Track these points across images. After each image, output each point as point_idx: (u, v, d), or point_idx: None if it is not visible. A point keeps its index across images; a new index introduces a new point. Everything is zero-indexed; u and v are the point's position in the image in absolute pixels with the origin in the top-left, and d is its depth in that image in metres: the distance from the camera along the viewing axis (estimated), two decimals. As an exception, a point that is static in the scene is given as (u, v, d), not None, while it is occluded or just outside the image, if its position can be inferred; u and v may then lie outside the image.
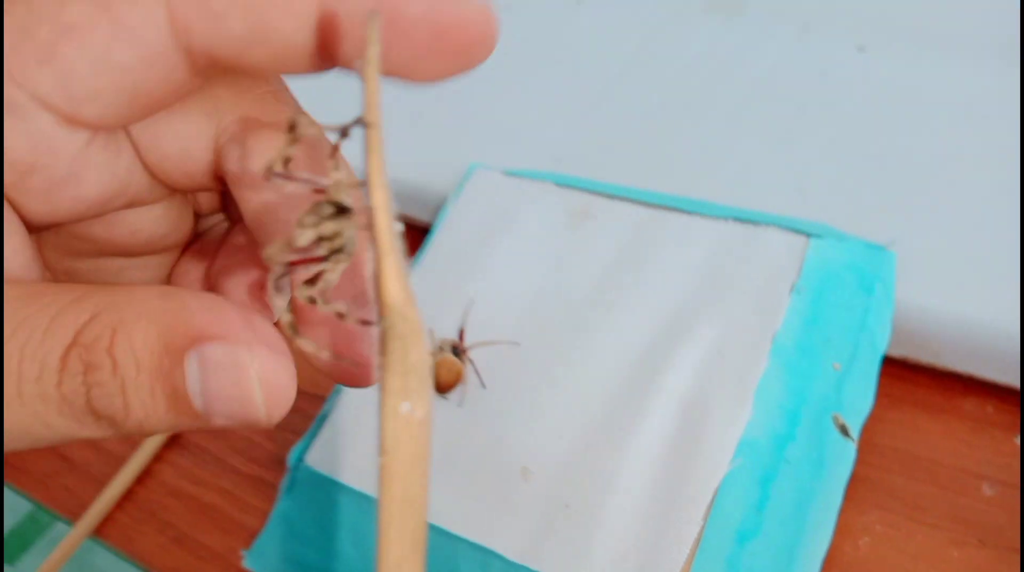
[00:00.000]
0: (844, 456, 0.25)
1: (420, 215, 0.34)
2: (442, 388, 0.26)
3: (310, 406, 0.29)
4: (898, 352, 0.28)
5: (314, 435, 0.27)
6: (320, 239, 0.13)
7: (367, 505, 0.25)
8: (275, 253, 0.13)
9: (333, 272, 0.13)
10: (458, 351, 0.26)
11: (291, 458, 0.27)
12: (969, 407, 0.28)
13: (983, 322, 0.26)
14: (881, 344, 0.26)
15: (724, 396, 0.24)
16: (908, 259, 0.28)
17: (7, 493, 0.34)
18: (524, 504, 0.23)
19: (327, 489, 0.26)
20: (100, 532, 0.31)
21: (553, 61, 0.40)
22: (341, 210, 0.13)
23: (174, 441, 0.33)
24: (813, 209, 0.29)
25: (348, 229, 0.13)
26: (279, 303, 0.14)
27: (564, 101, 0.37)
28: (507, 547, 0.23)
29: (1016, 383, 0.26)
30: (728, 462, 0.23)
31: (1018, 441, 0.27)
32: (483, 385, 0.26)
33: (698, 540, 0.22)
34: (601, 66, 0.39)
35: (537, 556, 0.23)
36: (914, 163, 0.31)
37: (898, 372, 0.29)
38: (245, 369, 0.12)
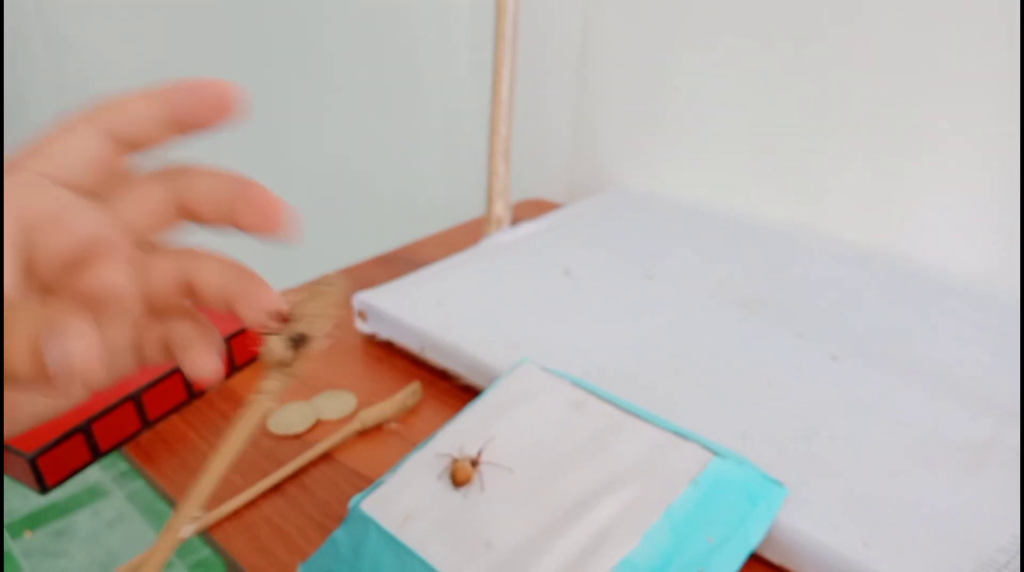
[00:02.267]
0: (700, 603, 0.36)
1: (480, 383, 0.50)
2: (458, 483, 0.40)
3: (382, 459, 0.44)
4: (777, 559, 0.40)
5: (373, 489, 0.41)
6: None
7: (388, 542, 0.39)
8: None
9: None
10: (474, 462, 0.41)
11: (353, 502, 0.41)
12: (816, 613, 0.39)
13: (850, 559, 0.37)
14: (752, 541, 0.38)
15: (623, 531, 0.37)
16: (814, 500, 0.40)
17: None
18: (480, 561, 0.37)
19: (367, 527, 0.40)
20: (213, 528, 0.46)
21: (612, 314, 0.56)
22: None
23: (280, 489, 0.48)
24: (747, 449, 0.43)
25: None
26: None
27: (607, 341, 0.53)
28: (462, 583, 0.36)
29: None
30: (610, 566, 0.35)
31: (840, 643, 0.37)
32: (482, 487, 0.40)
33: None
34: (644, 323, 0.55)
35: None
36: (836, 450, 0.44)
37: (773, 570, 0.40)
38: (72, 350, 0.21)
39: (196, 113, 0.25)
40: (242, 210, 0.25)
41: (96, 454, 0.53)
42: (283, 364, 0.23)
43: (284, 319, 0.24)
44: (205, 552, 1.45)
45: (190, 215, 0.26)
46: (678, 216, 0.72)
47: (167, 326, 0.27)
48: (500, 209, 0.69)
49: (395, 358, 0.60)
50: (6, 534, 1.50)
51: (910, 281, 0.59)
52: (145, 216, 0.26)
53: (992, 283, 0.58)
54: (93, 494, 1.59)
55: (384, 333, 0.60)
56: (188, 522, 0.22)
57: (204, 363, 0.26)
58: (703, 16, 0.71)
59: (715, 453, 0.40)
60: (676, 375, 0.50)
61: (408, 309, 0.59)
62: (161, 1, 1.17)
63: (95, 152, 0.25)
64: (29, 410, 0.27)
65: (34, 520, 1.52)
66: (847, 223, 0.67)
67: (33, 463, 0.50)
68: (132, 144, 0.26)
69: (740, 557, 0.38)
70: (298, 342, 0.24)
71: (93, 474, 1.63)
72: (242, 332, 0.59)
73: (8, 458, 0.51)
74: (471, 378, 0.54)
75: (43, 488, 0.50)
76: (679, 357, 0.51)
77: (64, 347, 0.21)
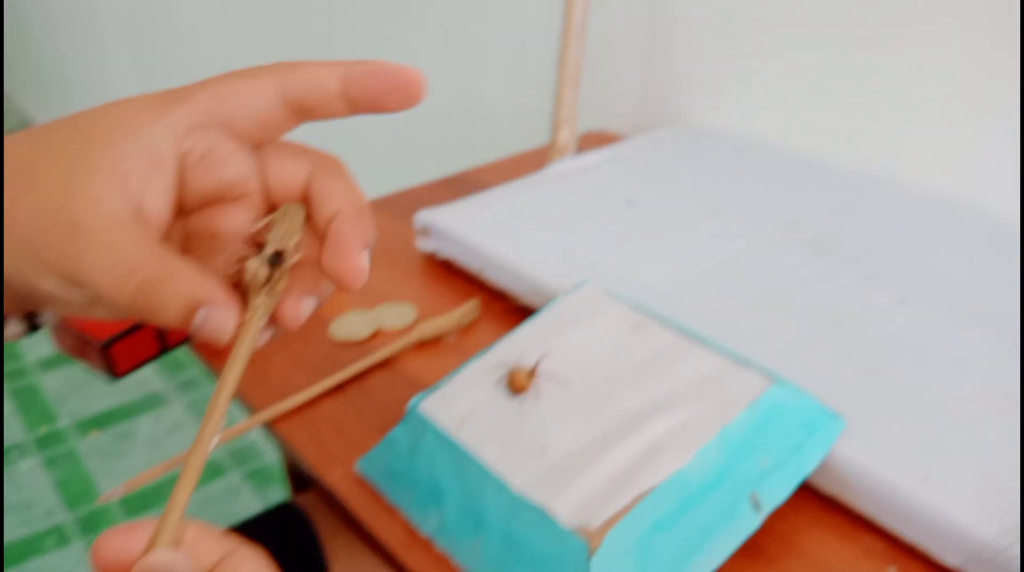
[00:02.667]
0: (749, 521, 0.37)
1: (538, 303, 0.50)
2: (515, 390, 0.41)
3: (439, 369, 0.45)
4: (830, 490, 0.40)
5: (432, 392, 0.42)
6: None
7: (444, 442, 0.40)
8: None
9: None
10: (531, 372, 0.41)
11: (411, 403, 0.42)
12: (868, 540, 0.39)
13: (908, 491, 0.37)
14: (807, 468, 0.38)
15: (677, 446, 0.37)
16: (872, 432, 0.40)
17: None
18: (533, 465, 0.37)
19: (425, 427, 0.41)
20: (276, 421, 0.48)
21: (675, 247, 0.56)
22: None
23: (355, 382, 0.50)
24: (809, 382, 0.42)
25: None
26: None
27: (669, 272, 0.53)
28: (515, 483, 0.37)
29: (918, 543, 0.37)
30: (662, 478, 0.36)
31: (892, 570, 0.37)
32: (538, 396, 0.41)
33: (627, 509, 0.35)
34: (709, 257, 0.54)
35: (533, 490, 0.36)
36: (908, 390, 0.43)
37: (824, 501, 0.40)
38: (220, 320, 0.24)
39: (377, 96, 0.26)
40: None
41: (164, 347, 0.55)
42: (265, 283, 0.26)
43: (259, 244, 0.27)
44: (262, 461, 1.50)
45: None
46: (750, 154, 0.71)
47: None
48: (565, 137, 0.68)
49: (454, 276, 0.61)
50: (74, 432, 1.57)
51: (983, 229, 0.58)
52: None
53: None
54: (155, 401, 1.65)
55: (444, 251, 0.61)
56: (211, 439, 0.25)
57: (297, 311, 0.28)
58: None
59: (775, 380, 0.40)
60: (739, 309, 0.49)
61: (469, 229, 0.59)
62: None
63: (265, 108, 0.27)
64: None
65: (99, 422, 1.59)
66: (923, 169, 0.65)
67: (105, 351, 0.52)
68: (302, 111, 0.27)
69: (793, 483, 0.38)
70: (274, 260, 0.26)
71: (156, 382, 1.70)
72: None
73: (82, 344, 0.53)
74: (528, 299, 0.54)
75: (112, 375, 0.53)
76: (743, 293, 0.51)
77: (219, 322, 0.24)
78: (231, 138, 0.27)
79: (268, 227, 0.27)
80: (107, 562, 0.24)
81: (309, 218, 0.28)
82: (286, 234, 0.27)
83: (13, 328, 0.30)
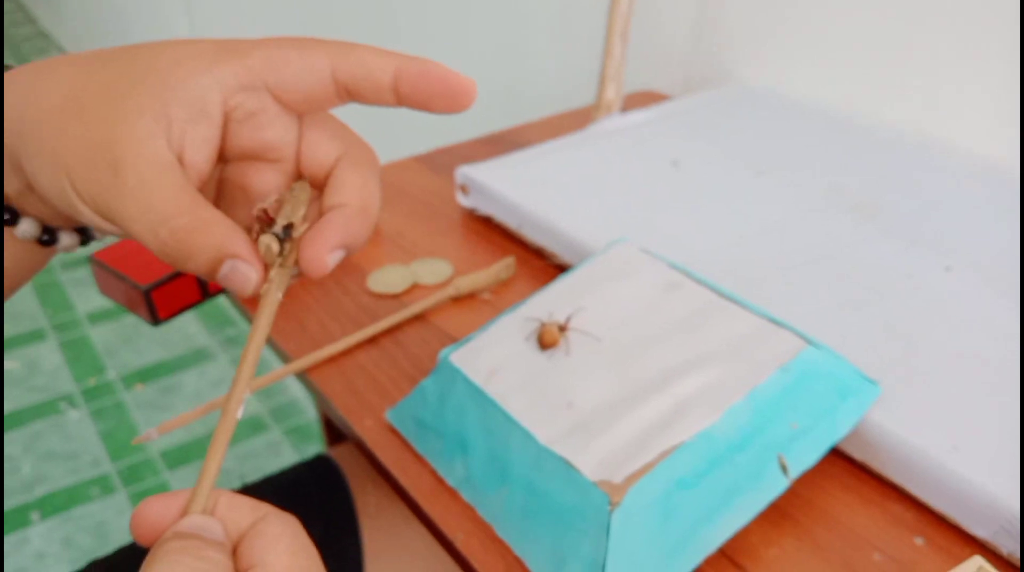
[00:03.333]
0: (776, 484, 0.36)
1: (575, 262, 0.50)
2: (545, 345, 0.41)
3: (473, 325, 0.45)
4: (860, 456, 0.39)
5: (463, 344, 0.42)
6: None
7: (473, 393, 0.40)
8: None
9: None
10: (562, 328, 0.41)
11: (442, 354, 0.42)
12: (896, 509, 0.38)
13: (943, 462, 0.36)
14: (838, 434, 0.38)
15: (705, 405, 0.36)
16: (906, 398, 0.39)
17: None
18: (560, 419, 0.37)
19: (455, 378, 0.41)
20: (311, 369, 0.48)
21: (718, 208, 0.55)
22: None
23: (378, 340, 0.50)
24: (846, 347, 0.41)
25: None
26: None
27: (711, 233, 0.52)
28: (542, 436, 0.37)
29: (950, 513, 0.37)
30: (688, 436, 0.35)
31: (919, 541, 0.37)
32: (568, 351, 0.40)
33: (651, 465, 0.34)
34: (752, 220, 0.53)
35: (559, 443, 0.36)
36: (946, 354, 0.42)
37: (855, 467, 0.40)
38: (244, 273, 0.26)
39: (425, 97, 0.27)
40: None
41: (206, 294, 0.56)
42: (278, 255, 0.27)
43: (269, 219, 0.28)
44: (302, 417, 1.53)
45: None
46: (797, 116, 0.69)
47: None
48: (611, 93, 0.67)
49: (493, 233, 0.61)
50: (119, 385, 1.62)
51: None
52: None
53: None
54: (200, 356, 1.69)
55: (483, 208, 0.61)
56: (239, 404, 0.26)
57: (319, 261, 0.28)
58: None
59: (809, 342, 0.39)
60: (780, 271, 0.49)
61: (509, 185, 0.59)
62: None
63: (316, 83, 0.27)
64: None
65: (145, 375, 1.64)
66: (974, 137, 0.63)
67: (147, 295, 0.53)
68: (350, 94, 0.27)
69: (822, 448, 0.38)
70: (285, 233, 0.27)
71: (201, 337, 1.73)
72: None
73: (126, 289, 0.54)
74: (566, 257, 0.54)
75: (155, 320, 0.54)
76: (785, 255, 0.50)
77: (243, 275, 0.26)
78: (277, 102, 0.28)
79: (278, 205, 0.28)
80: (145, 528, 0.25)
81: (317, 198, 0.29)
82: (293, 210, 0.28)
83: (66, 239, 0.31)
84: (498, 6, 1.06)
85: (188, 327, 1.75)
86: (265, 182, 0.29)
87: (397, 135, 1.00)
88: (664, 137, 0.65)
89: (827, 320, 0.44)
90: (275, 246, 0.27)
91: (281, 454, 1.46)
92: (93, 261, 0.55)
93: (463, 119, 0.91)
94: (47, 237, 0.30)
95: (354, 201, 0.28)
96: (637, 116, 0.68)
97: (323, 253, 0.27)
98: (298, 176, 0.30)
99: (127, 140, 0.25)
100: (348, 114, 0.30)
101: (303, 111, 0.28)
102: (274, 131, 0.28)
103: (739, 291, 0.44)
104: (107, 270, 0.55)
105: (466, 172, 0.61)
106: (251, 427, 1.51)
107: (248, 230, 0.28)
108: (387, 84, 0.27)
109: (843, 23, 0.69)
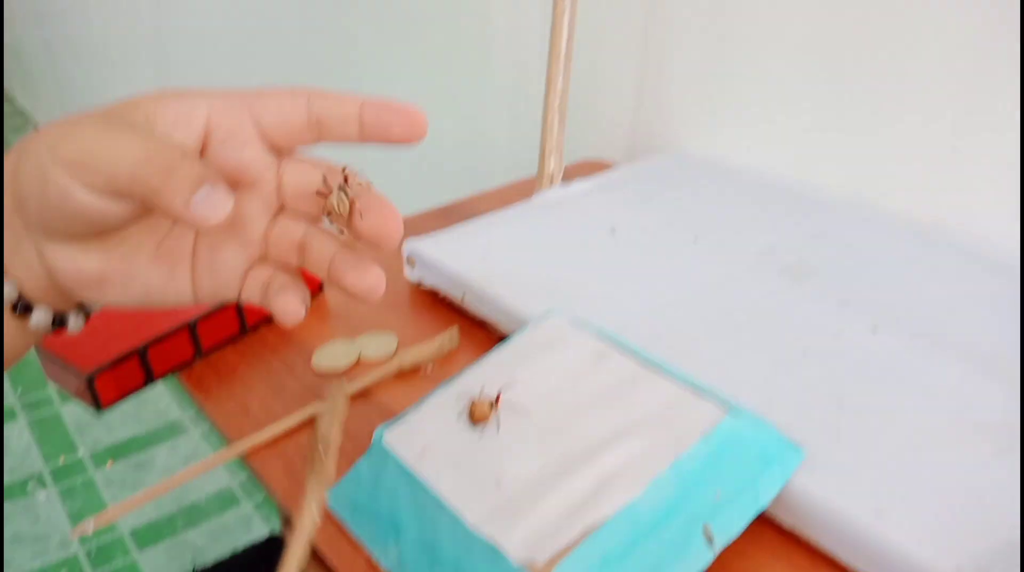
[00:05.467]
0: (702, 555, 0.36)
1: (509, 328, 0.51)
2: (476, 421, 0.41)
3: (415, 400, 0.45)
4: (789, 522, 0.40)
5: (397, 421, 0.43)
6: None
7: (403, 474, 0.40)
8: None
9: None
10: (493, 403, 0.41)
11: (376, 432, 0.43)
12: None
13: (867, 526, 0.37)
14: (762, 500, 0.38)
15: (629, 479, 0.37)
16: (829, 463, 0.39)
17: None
18: (488, 498, 0.38)
19: (386, 458, 0.41)
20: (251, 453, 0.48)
21: (654, 274, 0.56)
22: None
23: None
24: (773, 411, 0.42)
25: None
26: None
27: (646, 298, 0.53)
28: (469, 518, 0.37)
29: None
30: (612, 511, 0.35)
31: (846, 608, 0.37)
32: (498, 427, 0.41)
33: (575, 543, 0.35)
34: (686, 283, 0.55)
35: (486, 524, 0.36)
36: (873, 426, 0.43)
37: (784, 535, 0.40)
38: (218, 200, 0.28)
39: (385, 126, 0.31)
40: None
41: (150, 378, 0.56)
42: (349, 211, 0.31)
43: (325, 196, 0.32)
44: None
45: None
46: (732, 182, 0.71)
47: (272, 272, 0.34)
48: (552, 165, 0.69)
49: (438, 305, 0.62)
50: (90, 463, 1.59)
51: (958, 257, 0.57)
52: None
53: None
54: (171, 431, 1.67)
55: (429, 280, 0.61)
56: (311, 526, 0.30)
57: (294, 308, 0.33)
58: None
59: (730, 410, 0.40)
60: (711, 336, 0.49)
61: (452, 258, 0.60)
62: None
63: (293, 113, 0.31)
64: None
65: (116, 452, 1.62)
66: (899, 196, 0.65)
67: (90, 383, 0.53)
68: (321, 127, 0.32)
69: (748, 515, 0.38)
70: (348, 197, 0.31)
71: (172, 412, 1.72)
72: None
73: (67, 376, 0.54)
74: (507, 327, 0.54)
75: (98, 407, 0.54)
76: (716, 319, 0.51)
77: (217, 201, 0.27)
78: (256, 127, 0.31)
79: (327, 190, 0.32)
80: None
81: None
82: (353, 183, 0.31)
83: (39, 316, 0.33)
84: (453, 81, 1.09)
85: (159, 401, 1.74)
86: (242, 209, 0.33)
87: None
88: (603, 206, 0.66)
89: (756, 382, 0.45)
90: (344, 202, 0.30)
91: (252, 529, 1.44)
92: (38, 349, 0.55)
93: (416, 191, 0.93)
94: (58, 323, 0.33)
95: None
96: (578, 187, 0.69)
97: (392, 217, 0.31)
98: (281, 207, 0.33)
99: (118, 117, 0.29)
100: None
101: (279, 145, 0.32)
102: (252, 151, 0.31)
103: (671, 355, 0.45)
104: (51, 358, 0.55)
105: (413, 245, 0.62)
106: (221, 502, 1.49)
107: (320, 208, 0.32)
108: (354, 114, 0.31)
109: (775, 91, 0.72)
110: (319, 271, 0.33)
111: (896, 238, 0.60)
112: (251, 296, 0.34)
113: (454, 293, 0.59)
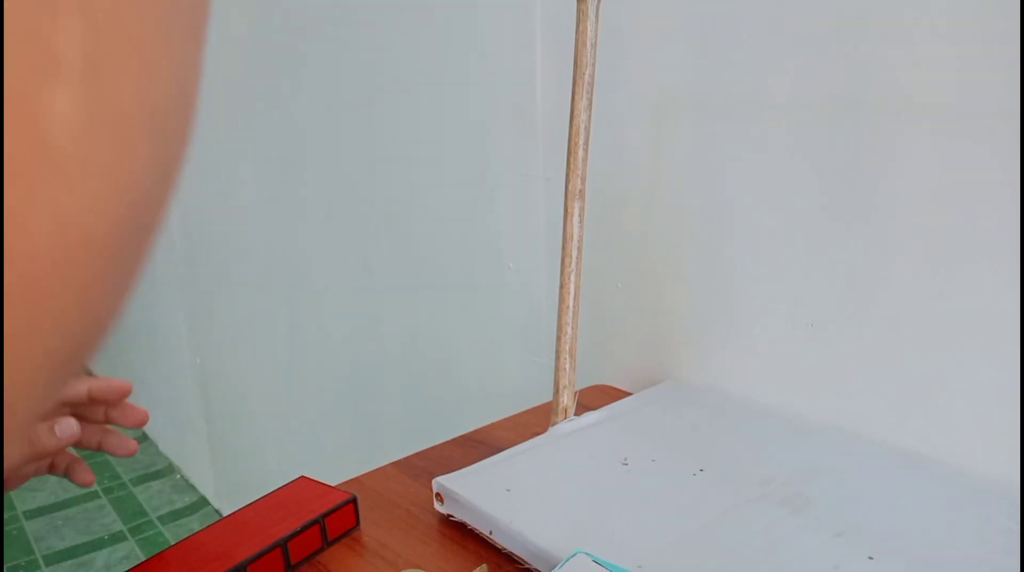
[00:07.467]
0: None
1: (542, 568, 0.56)
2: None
3: None
4: None
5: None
6: None
7: None
8: None
9: None
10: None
11: None
12: None
13: None
14: None
15: None
16: None
17: None
18: None
19: None
20: None
21: (663, 507, 0.62)
22: None
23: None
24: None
25: None
26: None
27: (657, 533, 0.58)
28: None
29: None
30: None
31: None
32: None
33: None
34: (693, 516, 0.60)
35: None
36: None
37: None
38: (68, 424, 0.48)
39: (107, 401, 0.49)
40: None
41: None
42: None
43: None
44: None
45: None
46: (730, 410, 0.78)
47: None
48: (566, 400, 0.76)
49: (468, 539, 0.67)
50: None
51: (949, 485, 0.63)
52: None
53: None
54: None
55: (458, 515, 0.67)
56: None
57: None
58: (753, 234, 0.80)
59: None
60: (717, 569, 0.54)
61: (479, 494, 0.65)
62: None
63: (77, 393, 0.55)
64: None
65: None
66: (890, 425, 0.72)
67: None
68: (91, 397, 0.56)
69: None
70: None
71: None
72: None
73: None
74: (534, 564, 0.59)
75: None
76: (726, 554, 0.56)
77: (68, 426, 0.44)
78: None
79: None
80: None
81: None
82: None
83: None
84: (468, 313, 1.19)
85: None
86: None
87: (379, 440, 1.08)
88: (613, 437, 0.73)
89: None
90: None
91: None
92: None
93: (438, 421, 1.00)
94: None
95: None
96: (589, 418, 0.76)
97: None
98: None
99: None
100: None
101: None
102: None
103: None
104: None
105: (441, 482, 0.68)
106: None
107: None
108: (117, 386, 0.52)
109: (772, 324, 0.81)
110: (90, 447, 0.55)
111: (882, 465, 0.66)
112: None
113: (482, 527, 0.64)
